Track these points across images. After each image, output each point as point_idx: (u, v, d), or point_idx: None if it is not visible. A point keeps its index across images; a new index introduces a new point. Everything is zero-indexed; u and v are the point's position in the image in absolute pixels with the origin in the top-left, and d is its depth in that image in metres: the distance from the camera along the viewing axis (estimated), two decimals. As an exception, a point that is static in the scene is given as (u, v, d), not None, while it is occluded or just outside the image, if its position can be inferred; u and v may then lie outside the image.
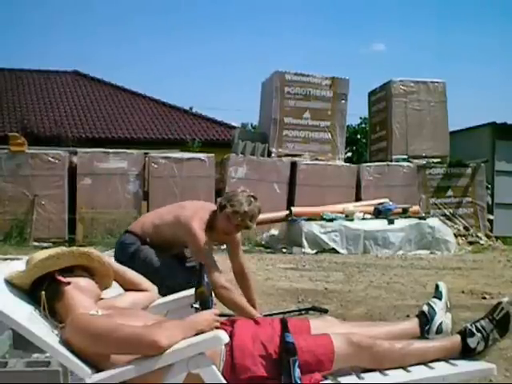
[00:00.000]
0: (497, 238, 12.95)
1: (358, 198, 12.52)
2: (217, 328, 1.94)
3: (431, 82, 14.14)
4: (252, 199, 3.09)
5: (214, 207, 3.33)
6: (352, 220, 10.69)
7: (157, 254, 3.32)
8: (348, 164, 14.07)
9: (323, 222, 10.53)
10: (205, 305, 2.20)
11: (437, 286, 2.44)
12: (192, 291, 2.45)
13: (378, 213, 10.96)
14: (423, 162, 13.46)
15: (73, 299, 2.03)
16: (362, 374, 2.11)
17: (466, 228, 13.10)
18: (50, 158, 11.48)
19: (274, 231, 11.40)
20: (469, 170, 13.45)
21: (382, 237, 10.52)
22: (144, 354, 1.81)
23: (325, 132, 13.41)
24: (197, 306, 2.23)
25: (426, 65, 53.32)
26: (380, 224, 10.68)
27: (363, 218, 10.85)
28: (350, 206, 11.25)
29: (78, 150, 12.08)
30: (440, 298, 2.38)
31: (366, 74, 51.77)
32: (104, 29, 60.92)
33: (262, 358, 2.04)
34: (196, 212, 3.27)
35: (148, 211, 11.13)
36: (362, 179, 12.86)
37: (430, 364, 2.18)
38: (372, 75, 50.13)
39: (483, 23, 62.06)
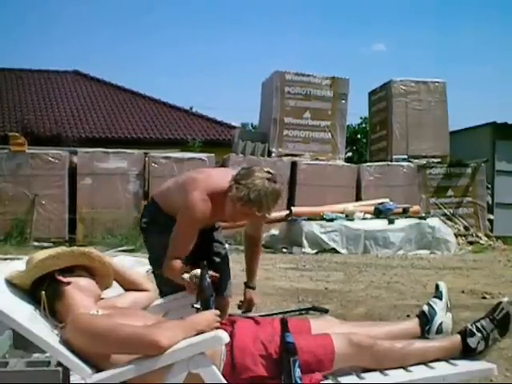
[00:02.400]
0: (497, 237, 12.95)
1: (358, 198, 12.51)
2: (217, 328, 1.94)
3: (431, 81, 14.13)
4: (266, 183, 2.47)
5: None
6: (352, 220, 10.69)
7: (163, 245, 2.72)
8: (348, 164, 14.06)
9: (323, 222, 10.53)
10: (206, 305, 2.20)
11: (437, 286, 2.44)
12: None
13: (379, 213, 10.96)
14: (423, 161, 13.45)
15: (73, 299, 2.03)
16: (363, 374, 2.11)
17: (466, 228, 13.10)
18: (50, 158, 11.48)
19: (275, 231, 11.39)
20: (469, 170, 13.44)
21: (382, 237, 10.52)
22: (144, 353, 1.81)
23: (325, 132, 13.41)
24: (198, 306, 2.23)
25: (426, 65, 53.35)
26: (380, 224, 10.69)
27: (363, 218, 10.85)
28: (351, 206, 11.25)
29: (79, 149, 12.07)
30: (440, 298, 2.38)
31: (366, 74, 51.81)
32: (104, 29, 60.96)
33: (262, 358, 2.04)
34: (210, 176, 2.77)
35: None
36: (362, 179, 12.86)
37: (431, 364, 2.18)
38: (372, 75, 50.13)
39: (483, 23, 62.12)
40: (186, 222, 2.61)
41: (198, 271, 2.36)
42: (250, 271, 3.03)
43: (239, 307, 2.96)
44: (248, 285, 2.99)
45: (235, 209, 2.54)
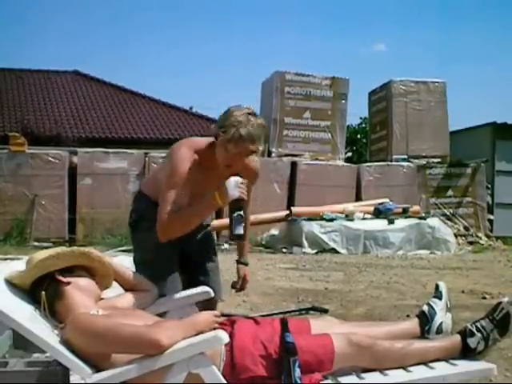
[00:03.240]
0: (497, 237, 12.95)
1: (358, 198, 12.52)
2: (216, 328, 1.94)
3: (431, 81, 14.14)
4: (250, 117, 2.40)
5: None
6: (352, 220, 10.69)
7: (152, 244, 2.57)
8: (348, 164, 14.07)
9: (323, 222, 10.53)
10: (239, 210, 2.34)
11: (437, 286, 2.44)
12: (191, 291, 2.49)
13: (378, 213, 10.96)
14: (423, 161, 13.46)
15: (73, 299, 2.03)
16: (362, 374, 2.11)
17: (466, 228, 13.10)
18: (50, 158, 11.48)
19: (274, 231, 11.40)
20: (469, 170, 13.45)
21: (382, 237, 10.52)
22: (145, 353, 1.81)
23: (325, 132, 13.41)
24: (240, 213, 2.34)
25: (426, 65, 53.39)
26: (380, 224, 10.69)
27: (363, 218, 10.85)
28: (350, 206, 11.26)
29: (78, 149, 12.08)
30: (440, 298, 2.38)
31: (366, 74, 51.86)
32: (104, 29, 60.97)
33: (262, 358, 2.04)
34: (195, 139, 2.67)
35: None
36: (362, 179, 12.86)
37: (430, 364, 2.17)
38: (372, 75, 50.20)
39: (483, 23, 62.15)
40: (171, 174, 2.47)
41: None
42: (240, 247, 2.91)
43: (233, 286, 2.83)
44: (240, 261, 2.87)
45: (228, 153, 2.42)
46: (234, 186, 2.35)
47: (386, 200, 11.55)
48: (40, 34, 56.52)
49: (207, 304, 2.52)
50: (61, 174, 11.54)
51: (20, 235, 11.08)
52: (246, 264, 2.87)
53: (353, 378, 2.09)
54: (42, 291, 2.02)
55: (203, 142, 2.58)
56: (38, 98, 19.16)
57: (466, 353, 2.22)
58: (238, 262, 2.87)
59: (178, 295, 2.53)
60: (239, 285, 2.82)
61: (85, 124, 17.99)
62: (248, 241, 2.94)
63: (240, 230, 2.37)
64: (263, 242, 11.31)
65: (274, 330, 2.14)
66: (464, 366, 2.17)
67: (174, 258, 2.66)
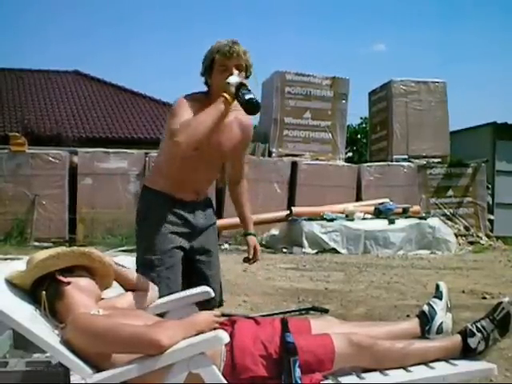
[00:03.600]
0: (497, 237, 12.96)
1: (358, 198, 12.52)
2: (216, 329, 1.94)
3: (432, 81, 14.15)
4: (233, 39, 2.59)
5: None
6: (352, 220, 10.69)
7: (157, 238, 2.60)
8: (348, 164, 14.07)
9: (324, 222, 10.53)
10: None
11: (437, 286, 2.43)
12: (191, 291, 2.49)
13: (379, 213, 10.97)
14: (424, 161, 13.47)
15: (73, 299, 2.03)
16: (363, 374, 2.11)
17: (466, 228, 13.11)
18: (50, 158, 11.49)
19: (275, 231, 11.40)
20: (469, 170, 13.46)
21: (382, 237, 10.53)
22: (145, 353, 1.81)
23: (325, 132, 13.42)
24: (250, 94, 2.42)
25: (426, 65, 53.36)
26: (380, 224, 10.69)
27: (364, 218, 10.86)
28: (351, 206, 11.26)
29: (79, 149, 12.10)
30: (440, 298, 2.38)
31: (366, 74, 51.80)
32: (104, 29, 60.92)
33: (262, 358, 2.04)
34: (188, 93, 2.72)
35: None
36: (362, 179, 12.86)
37: (431, 364, 2.17)
38: (372, 75, 50.13)
39: (484, 23, 62.15)
40: (171, 116, 2.55)
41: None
42: (243, 218, 2.92)
43: (245, 260, 2.83)
44: (246, 233, 2.91)
45: (225, 71, 2.54)
46: (235, 75, 2.50)
47: (387, 200, 11.55)
48: (40, 34, 56.44)
49: (205, 306, 2.51)
50: (61, 174, 11.55)
51: (20, 235, 11.08)
52: (254, 235, 2.90)
53: (353, 378, 2.09)
54: (43, 291, 2.02)
55: (199, 92, 2.67)
56: (39, 98, 19.15)
57: (467, 353, 2.21)
58: (245, 233, 2.90)
59: (178, 295, 2.53)
60: (251, 255, 2.83)
61: (85, 124, 17.99)
62: (250, 211, 2.95)
63: (249, 95, 2.45)
64: (263, 242, 11.30)
65: (274, 330, 2.14)
66: (464, 366, 2.17)
67: (176, 258, 2.64)
